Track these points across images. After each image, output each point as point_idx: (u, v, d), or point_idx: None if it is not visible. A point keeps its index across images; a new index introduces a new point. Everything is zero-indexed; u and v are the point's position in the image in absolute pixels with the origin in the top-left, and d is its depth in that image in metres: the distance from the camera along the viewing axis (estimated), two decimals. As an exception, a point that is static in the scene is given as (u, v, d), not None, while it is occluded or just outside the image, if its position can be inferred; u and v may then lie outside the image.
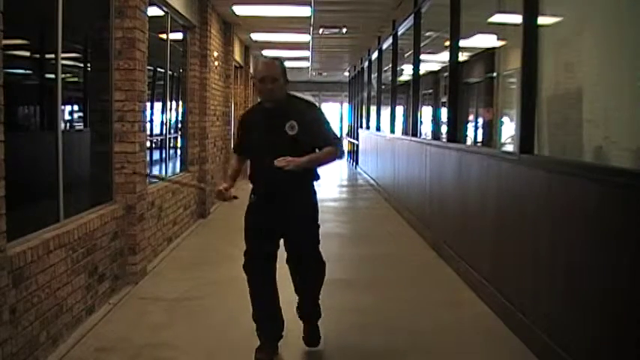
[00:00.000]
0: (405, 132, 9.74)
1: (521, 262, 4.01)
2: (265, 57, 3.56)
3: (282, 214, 3.46)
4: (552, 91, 4.13)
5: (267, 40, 12.53)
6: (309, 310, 3.72)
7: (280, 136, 3.38)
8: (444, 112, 7.24)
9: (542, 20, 4.01)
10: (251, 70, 15.04)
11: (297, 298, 3.74)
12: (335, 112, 26.43)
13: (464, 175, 5.51)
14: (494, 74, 5.84)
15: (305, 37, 11.94)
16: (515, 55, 4.40)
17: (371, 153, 13.56)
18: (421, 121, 8.84)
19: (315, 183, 3.57)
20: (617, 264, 2.84)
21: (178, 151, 8.00)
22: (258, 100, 3.58)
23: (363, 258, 6.29)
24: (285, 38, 12.25)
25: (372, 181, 13.00)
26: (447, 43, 6.31)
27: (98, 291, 4.33)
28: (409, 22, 8.57)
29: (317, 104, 3.75)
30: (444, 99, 7.35)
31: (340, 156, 3.55)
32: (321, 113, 3.60)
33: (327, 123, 3.58)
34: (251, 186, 3.58)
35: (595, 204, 3.07)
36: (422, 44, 8.27)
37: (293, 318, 3.75)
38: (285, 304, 3.68)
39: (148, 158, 5.58)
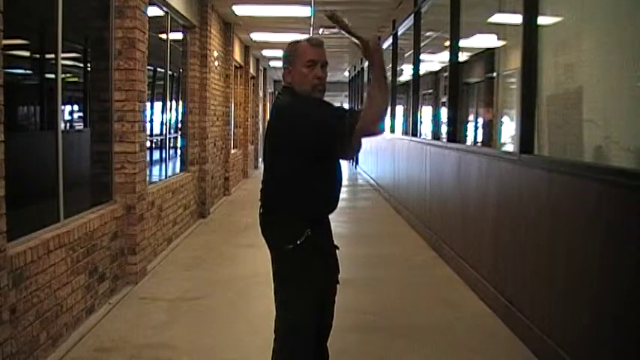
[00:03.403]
0: (405, 132, 9.75)
1: (521, 262, 4.01)
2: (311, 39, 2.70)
3: (334, 263, 2.80)
4: (552, 91, 4.13)
5: (267, 40, 12.53)
6: None
7: None
8: (444, 112, 7.24)
9: (542, 20, 4.01)
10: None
11: None
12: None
13: (464, 175, 5.51)
14: (494, 74, 5.84)
15: (305, 37, 11.93)
16: (515, 55, 4.40)
17: (371, 153, 13.55)
18: (421, 121, 8.84)
19: None
20: (617, 264, 2.84)
21: (178, 151, 8.00)
22: (279, 92, 2.75)
23: (363, 258, 6.28)
24: (285, 38, 12.21)
25: (372, 181, 13.00)
26: (447, 43, 6.31)
27: (98, 291, 4.33)
28: (409, 22, 8.57)
29: None
30: (444, 99, 7.35)
31: None
32: None
33: None
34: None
35: (595, 204, 3.07)
36: (422, 44, 8.27)
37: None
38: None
39: (148, 158, 5.58)
